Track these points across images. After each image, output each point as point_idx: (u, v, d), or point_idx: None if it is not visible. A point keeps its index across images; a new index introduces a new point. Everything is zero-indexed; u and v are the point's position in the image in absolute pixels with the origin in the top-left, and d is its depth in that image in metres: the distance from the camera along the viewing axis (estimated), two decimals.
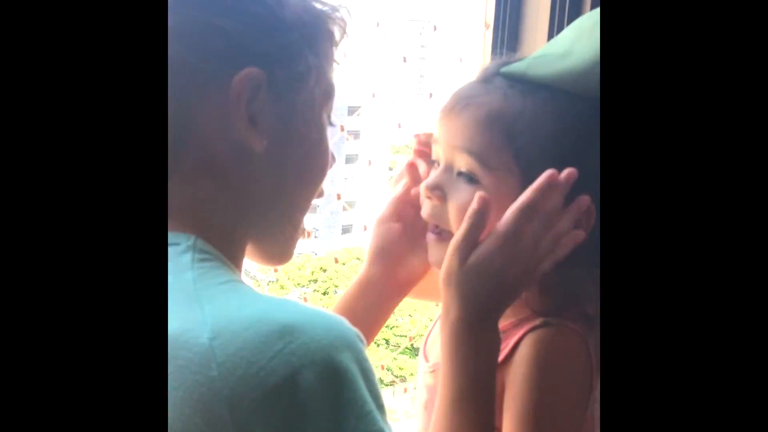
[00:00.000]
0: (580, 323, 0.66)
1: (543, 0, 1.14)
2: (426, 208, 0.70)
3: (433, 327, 0.81)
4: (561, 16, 1.13)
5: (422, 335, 0.84)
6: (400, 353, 10.09)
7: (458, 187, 0.67)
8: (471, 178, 0.66)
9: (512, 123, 0.65)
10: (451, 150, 0.68)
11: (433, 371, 0.73)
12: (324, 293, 12.86)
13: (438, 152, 0.70)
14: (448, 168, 0.68)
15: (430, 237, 0.71)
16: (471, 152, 0.66)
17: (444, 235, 0.69)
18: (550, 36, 1.14)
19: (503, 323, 0.68)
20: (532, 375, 0.64)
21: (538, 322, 0.66)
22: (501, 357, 0.66)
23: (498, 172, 0.65)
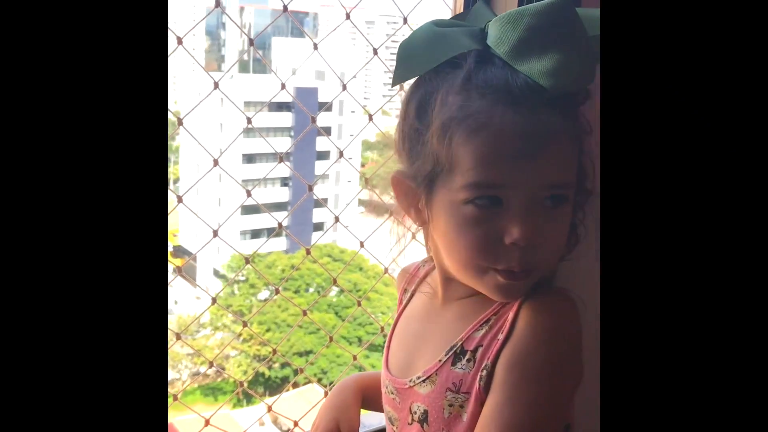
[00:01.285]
0: (568, 292, 0.68)
1: None
2: (525, 257, 0.65)
3: (391, 336, 0.80)
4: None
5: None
6: (373, 351, 10.14)
7: (552, 217, 0.65)
8: (560, 201, 0.65)
9: (580, 141, 0.65)
10: (537, 188, 0.64)
11: (427, 378, 0.72)
12: (295, 291, 12.86)
13: (511, 195, 0.65)
14: (534, 204, 0.64)
15: (515, 278, 0.66)
16: (567, 183, 0.65)
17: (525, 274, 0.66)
18: None
19: (492, 308, 0.68)
20: (533, 332, 0.64)
21: (529, 294, 0.66)
22: (504, 334, 0.66)
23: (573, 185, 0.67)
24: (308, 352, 11.47)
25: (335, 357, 11.68)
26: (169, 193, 0.65)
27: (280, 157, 1.07)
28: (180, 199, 0.98)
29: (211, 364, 1.15)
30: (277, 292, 1.18)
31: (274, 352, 1.18)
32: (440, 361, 0.70)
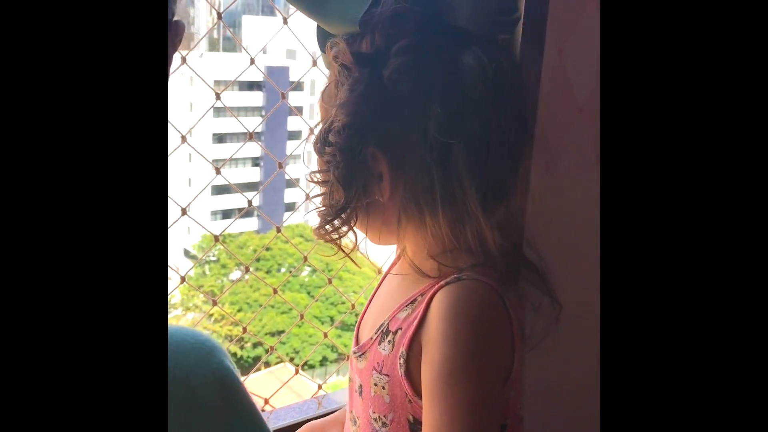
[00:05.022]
0: (495, 279, 0.65)
1: None
2: None
3: (366, 310, 0.80)
4: None
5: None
6: (346, 330, 10.15)
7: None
8: None
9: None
10: None
11: (362, 353, 0.72)
12: (267, 272, 12.78)
13: None
14: None
15: None
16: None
17: None
18: None
19: (421, 288, 0.67)
20: (444, 328, 0.63)
21: (450, 278, 0.65)
22: (417, 320, 0.65)
23: None
24: (280, 332, 11.44)
25: (307, 336, 11.67)
26: None
27: (250, 135, 1.06)
28: None
29: None
30: (247, 270, 1.17)
31: (244, 330, 1.18)
32: (371, 338, 0.70)
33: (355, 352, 0.73)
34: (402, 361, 0.65)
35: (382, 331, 0.69)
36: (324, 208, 0.69)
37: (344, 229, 0.70)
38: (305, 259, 1.16)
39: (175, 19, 0.57)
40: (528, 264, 0.72)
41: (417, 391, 0.65)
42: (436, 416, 0.62)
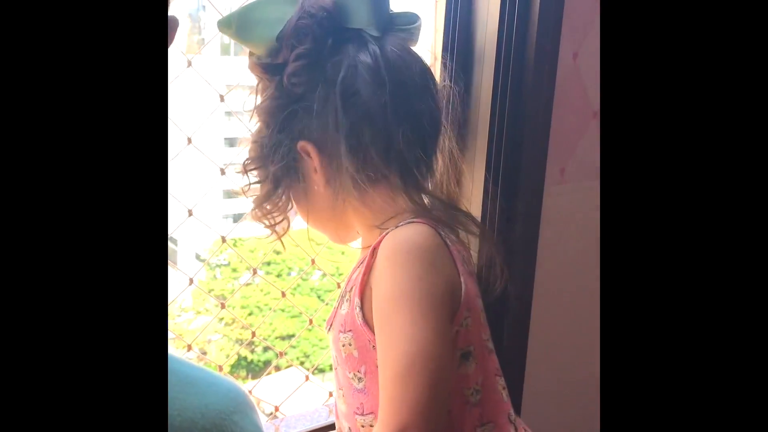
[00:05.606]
0: (430, 221, 0.73)
1: None
2: None
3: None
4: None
5: None
6: None
7: None
8: None
9: None
10: None
11: (330, 325, 0.78)
12: (277, 275, 12.79)
13: None
14: None
15: None
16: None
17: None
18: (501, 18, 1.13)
19: (371, 248, 0.73)
20: (386, 263, 0.67)
21: (390, 229, 0.72)
22: (365, 269, 0.71)
23: None
24: (291, 336, 11.44)
25: (318, 340, 11.67)
26: None
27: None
28: None
29: (189, 347, 1.15)
30: (254, 273, 1.17)
31: (253, 334, 1.18)
32: (335, 308, 0.77)
33: (326, 328, 0.80)
34: (358, 309, 0.70)
35: (341, 295, 0.76)
36: (258, 195, 0.81)
37: (277, 214, 0.81)
38: (313, 261, 1.16)
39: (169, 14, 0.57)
40: (466, 215, 0.79)
41: None
42: (387, 336, 0.64)
